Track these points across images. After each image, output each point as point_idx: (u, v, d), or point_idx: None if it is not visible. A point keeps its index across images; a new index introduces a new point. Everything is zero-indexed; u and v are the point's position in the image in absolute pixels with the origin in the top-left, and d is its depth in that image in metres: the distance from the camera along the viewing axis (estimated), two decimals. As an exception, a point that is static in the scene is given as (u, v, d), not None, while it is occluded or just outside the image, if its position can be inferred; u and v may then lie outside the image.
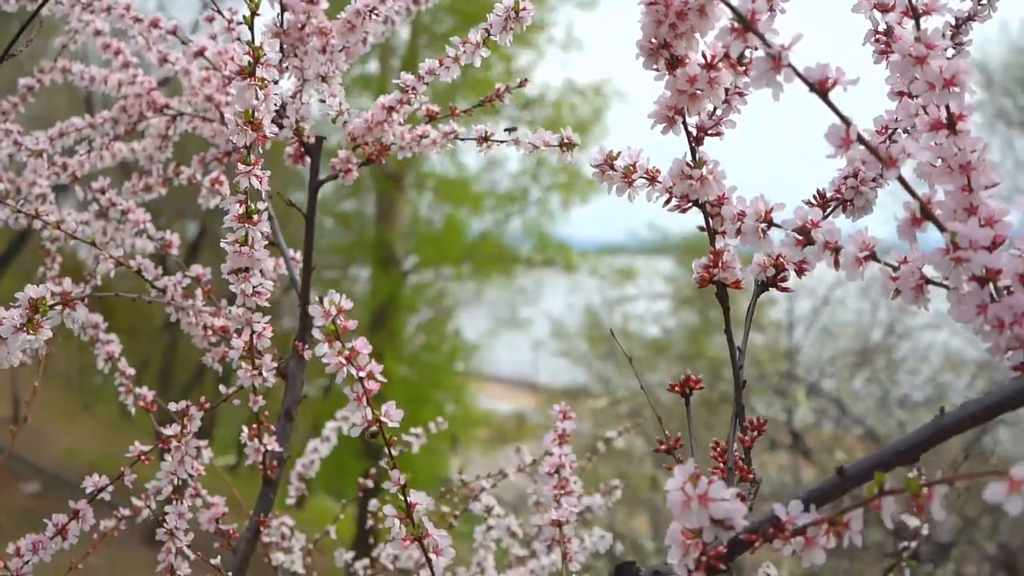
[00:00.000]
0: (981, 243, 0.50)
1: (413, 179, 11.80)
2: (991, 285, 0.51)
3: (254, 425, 0.95)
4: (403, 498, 0.64)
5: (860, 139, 0.50)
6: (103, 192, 1.11)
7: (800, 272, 0.67)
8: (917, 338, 7.38)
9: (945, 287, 0.54)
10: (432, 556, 0.64)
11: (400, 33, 9.55)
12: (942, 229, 0.51)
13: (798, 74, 0.50)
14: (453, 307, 12.10)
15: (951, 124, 0.54)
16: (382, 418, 0.63)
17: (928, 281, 0.54)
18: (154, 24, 1.09)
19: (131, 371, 1.10)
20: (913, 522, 1.11)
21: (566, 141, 0.83)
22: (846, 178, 0.68)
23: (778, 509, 0.52)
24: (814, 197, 0.69)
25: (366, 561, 1.37)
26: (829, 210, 0.69)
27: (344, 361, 0.61)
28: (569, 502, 0.92)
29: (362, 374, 0.61)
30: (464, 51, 0.88)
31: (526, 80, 1.00)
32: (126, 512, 1.13)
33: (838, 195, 0.68)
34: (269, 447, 0.96)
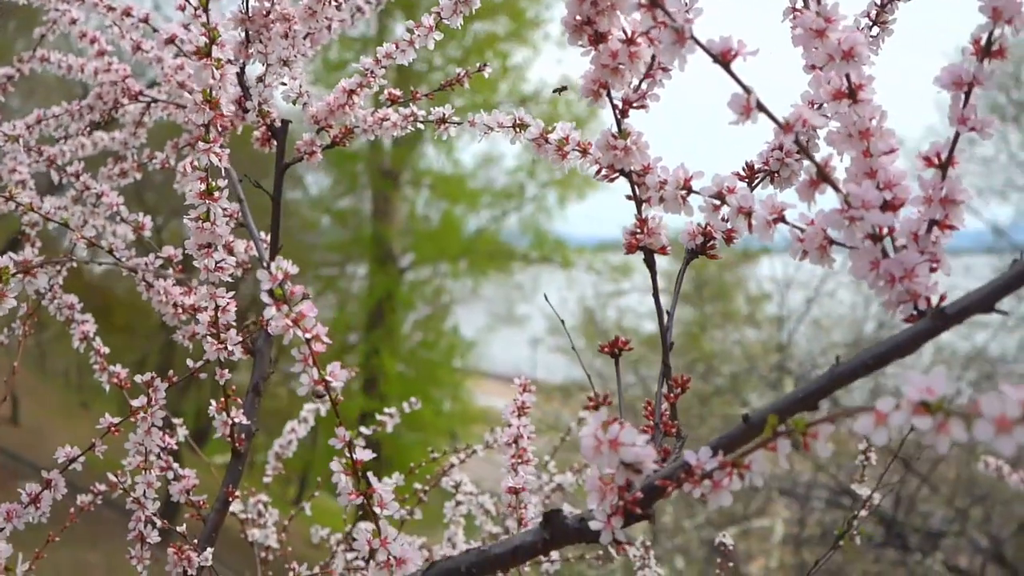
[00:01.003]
0: (873, 203, 0.53)
1: (409, 176, 11.84)
2: (884, 243, 0.55)
3: (222, 399, 0.99)
4: (349, 455, 0.68)
5: (760, 106, 0.54)
6: (77, 176, 1.14)
7: (728, 240, 0.71)
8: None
9: (846, 247, 0.57)
10: (376, 510, 0.67)
11: (395, 31, 9.58)
12: (837, 190, 0.54)
13: (701, 46, 0.53)
14: (450, 304, 12.14)
15: (852, 93, 0.57)
16: (328, 378, 0.66)
17: (832, 241, 0.58)
18: (126, 13, 1.12)
19: (106, 349, 1.13)
20: (863, 491, 1.14)
21: (518, 122, 0.86)
22: (773, 150, 0.72)
23: (688, 456, 0.55)
24: (743, 168, 0.73)
25: (339, 536, 1.40)
26: (757, 180, 0.72)
27: (291, 323, 0.65)
28: (526, 470, 0.95)
29: (309, 336, 0.65)
30: (418, 34, 0.92)
31: (485, 64, 1.03)
32: (102, 487, 1.16)
33: (765, 167, 0.72)
34: (237, 420, 0.99)
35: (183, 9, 1.07)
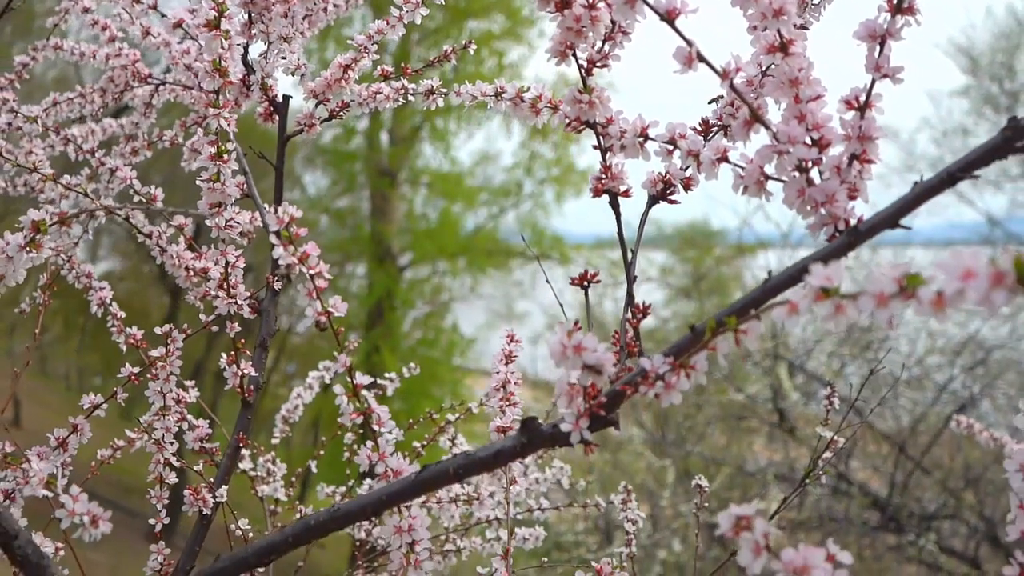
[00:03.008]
0: (798, 138, 0.62)
1: (407, 175, 11.92)
2: (811, 174, 0.63)
3: (232, 352, 1.07)
4: (350, 379, 0.76)
5: (700, 57, 0.62)
6: (92, 153, 1.23)
7: (687, 187, 0.79)
8: (905, 322, 7.51)
9: (780, 180, 0.66)
10: (376, 428, 0.76)
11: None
12: (768, 129, 0.63)
13: (649, 5, 0.62)
14: (449, 302, 12.21)
15: (783, 47, 0.65)
16: (330, 308, 0.74)
17: (767, 176, 0.66)
18: (136, 0, 1.20)
19: (122, 314, 1.21)
20: (827, 433, 1.23)
21: (499, 91, 0.95)
22: (726, 106, 0.80)
23: (644, 362, 0.63)
24: (699, 123, 0.81)
25: (343, 489, 1.49)
26: (712, 133, 0.80)
27: (297, 261, 0.73)
28: (513, 411, 1.04)
29: (313, 272, 0.73)
30: (407, 10, 1.01)
31: (471, 42, 1.11)
32: (121, 443, 1.25)
33: (719, 121, 0.80)
34: (246, 372, 1.08)
35: (189, -4, 1.16)
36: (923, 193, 0.58)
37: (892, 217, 0.58)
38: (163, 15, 1.20)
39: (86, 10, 1.30)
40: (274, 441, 1.50)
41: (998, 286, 0.40)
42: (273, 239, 0.72)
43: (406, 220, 11.98)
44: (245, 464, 1.39)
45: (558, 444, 0.68)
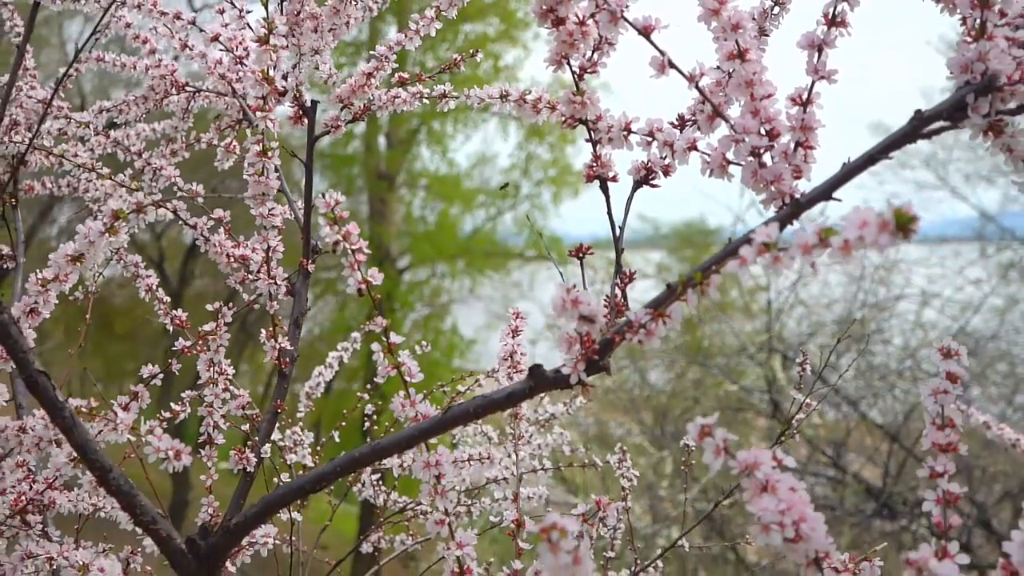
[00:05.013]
0: (751, 129, 0.76)
1: (405, 178, 12.07)
2: (761, 159, 0.77)
3: (271, 328, 1.21)
4: (386, 338, 0.91)
5: (671, 64, 0.77)
6: (139, 154, 1.37)
7: (666, 173, 0.93)
8: (899, 315, 7.67)
9: (738, 164, 0.80)
10: (407, 379, 0.90)
11: (388, 32, 9.81)
12: (727, 122, 0.77)
13: (629, 23, 0.76)
14: (448, 303, 12.35)
15: (740, 55, 0.80)
16: (368, 277, 0.89)
17: (728, 161, 0.80)
18: (177, 16, 1.35)
19: (167, 298, 1.35)
20: (799, 396, 1.37)
21: (504, 93, 1.09)
22: (696, 104, 0.94)
23: (629, 315, 0.78)
24: (676, 118, 0.95)
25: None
26: (687, 127, 0.95)
27: (341, 238, 0.87)
28: (519, 377, 1.18)
29: (354, 247, 0.87)
30: (422, 24, 1.15)
31: (477, 51, 1.26)
32: (167, 415, 1.39)
33: (693, 117, 0.94)
34: (283, 345, 1.22)
35: (223, 12, 1.31)
36: (849, 172, 0.72)
37: (826, 191, 0.73)
38: (201, 30, 1.34)
39: (128, 25, 1.44)
40: (299, 415, 1.65)
41: (883, 232, 0.54)
42: (321, 220, 0.87)
43: (404, 223, 12.11)
44: (274, 435, 1.53)
45: (560, 386, 0.82)
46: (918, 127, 0.70)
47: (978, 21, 0.69)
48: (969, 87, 0.69)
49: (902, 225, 0.53)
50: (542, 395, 1.79)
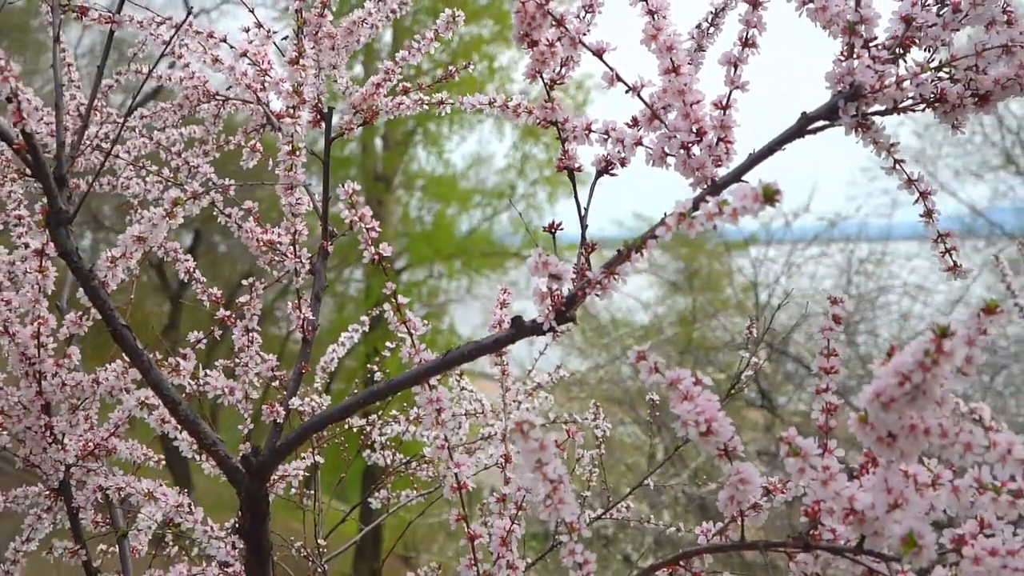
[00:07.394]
0: (681, 128, 0.98)
1: (402, 180, 12.27)
2: (691, 151, 0.99)
3: (296, 300, 1.43)
4: (395, 300, 1.12)
5: (618, 78, 0.98)
6: (179, 154, 1.58)
7: (622, 164, 1.15)
8: (885, 306, 7.91)
9: (673, 155, 1.02)
10: (412, 332, 1.12)
11: (383, 36, 10.02)
12: (663, 123, 0.99)
13: (584, 45, 0.98)
14: (446, 303, 12.55)
15: (675, 70, 1.01)
16: (380, 251, 1.10)
17: (666, 153, 1.02)
18: (210, 35, 1.56)
19: (204, 279, 1.57)
20: (745, 355, 1.59)
21: (492, 100, 1.31)
22: (643, 109, 1.16)
23: (589, 274, 0.99)
24: (631, 119, 1.17)
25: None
26: (637, 126, 1.16)
27: (357, 220, 1.09)
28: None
29: (368, 226, 1.09)
30: (424, 43, 1.37)
31: (469, 63, 1.48)
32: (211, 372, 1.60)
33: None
34: (307, 315, 1.43)
35: (248, 31, 1.53)
36: (753, 161, 0.94)
37: (736, 175, 0.95)
38: (232, 46, 1.55)
39: (165, 43, 1.66)
40: (316, 387, 1.86)
41: (756, 201, 0.76)
42: (341, 204, 1.08)
43: (401, 224, 12.31)
44: (293, 402, 1.75)
45: (537, 333, 1.04)
46: (804, 125, 0.92)
47: (846, 44, 0.91)
48: (841, 94, 0.91)
49: (768, 196, 0.75)
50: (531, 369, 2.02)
